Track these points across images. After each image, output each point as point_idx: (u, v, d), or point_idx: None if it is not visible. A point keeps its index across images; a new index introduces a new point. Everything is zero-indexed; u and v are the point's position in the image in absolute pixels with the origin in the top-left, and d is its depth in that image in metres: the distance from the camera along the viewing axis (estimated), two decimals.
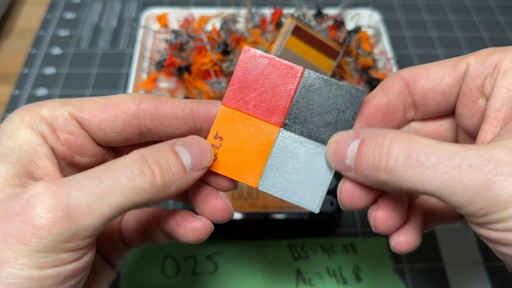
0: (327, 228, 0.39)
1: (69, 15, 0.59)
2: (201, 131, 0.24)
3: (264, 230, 0.39)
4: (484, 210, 0.18)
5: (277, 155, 0.23)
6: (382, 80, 0.43)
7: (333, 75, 0.42)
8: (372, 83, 0.43)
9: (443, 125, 0.26)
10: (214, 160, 0.23)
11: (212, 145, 0.23)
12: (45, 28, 0.57)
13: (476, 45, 0.57)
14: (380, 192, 0.23)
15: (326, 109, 0.23)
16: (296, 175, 0.23)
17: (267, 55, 0.23)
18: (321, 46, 0.40)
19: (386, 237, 0.41)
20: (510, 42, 0.58)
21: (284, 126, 0.23)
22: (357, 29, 0.45)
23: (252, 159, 0.23)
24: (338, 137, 0.22)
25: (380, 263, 0.38)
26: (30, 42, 0.55)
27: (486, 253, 0.39)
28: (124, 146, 0.25)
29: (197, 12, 0.48)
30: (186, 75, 0.42)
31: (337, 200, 0.42)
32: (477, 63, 0.22)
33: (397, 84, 0.24)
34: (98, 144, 0.24)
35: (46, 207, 0.17)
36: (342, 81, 0.42)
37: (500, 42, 0.58)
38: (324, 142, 0.23)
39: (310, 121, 0.23)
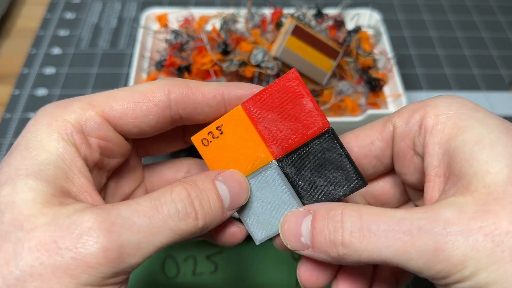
0: None
1: (69, 15, 0.59)
2: None
3: None
4: (443, 273, 0.18)
5: (256, 180, 0.23)
6: (382, 80, 0.43)
7: (333, 75, 0.42)
8: (372, 83, 0.43)
9: (388, 183, 0.26)
10: (205, 146, 0.23)
11: (210, 133, 0.23)
12: (45, 28, 0.57)
13: (476, 45, 0.57)
14: (338, 267, 0.23)
15: (322, 173, 0.22)
16: (260, 206, 0.23)
17: (308, 92, 0.21)
18: (321, 46, 0.40)
19: None
20: (510, 42, 0.58)
21: (278, 161, 0.23)
22: (357, 29, 0.45)
23: (234, 166, 0.23)
24: (289, 216, 0.22)
25: None
26: (30, 42, 0.55)
27: None
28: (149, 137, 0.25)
29: (197, 12, 0.48)
30: (186, 75, 0.42)
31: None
32: (402, 123, 0.22)
33: None
34: (126, 139, 0.24)
35: (100, 247, 0.17)
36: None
37: (500, 42, 0.58)
38: (300, 197, 0.23)
39: (301, 173, 0.23)
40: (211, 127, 0.23)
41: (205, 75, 0.42)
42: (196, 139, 0.24)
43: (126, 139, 0.24)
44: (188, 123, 0.24)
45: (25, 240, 0.17)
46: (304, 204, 0.23)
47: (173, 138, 0.27)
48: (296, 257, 0.38)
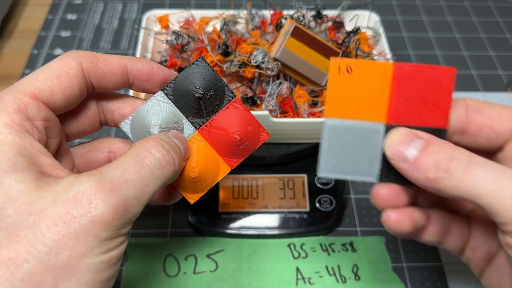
0: (327, 227, 0.39)
1: (71, 16, 0.60)
2: (132, 85, 0.27)
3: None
4: None
5: (349, 129, 0.25)
6: None
7: None
8: None
9: None
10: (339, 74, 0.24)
11: (348, 67, 0.24)
12: (47, 29, 0.58)
13: (474, 46, 0.58)
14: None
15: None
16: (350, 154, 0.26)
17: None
18: (321, 47, 0.40)
19: (385, 235, 0.41)
20: (508, 43, 0.58)
21: (387, 126, 0.24)
22: (356, 30, 0.45)
23: (352, 106, 0.24)
24: (405, 131, 0.24)
25: (379, 262, 0.38)
26: (32, 42, 0.56)
27: None
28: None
29: (198, 14, 0.48)
30: None
31: (337, 199, 0.43)
32: None
33: (459, 109, 0.25)
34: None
35: (110, 205, 0.20)
36: None
37: (498, 42, 0.58)
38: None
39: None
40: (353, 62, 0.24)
41: None
42: (334, 62, 0.24)
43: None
44: (99, 90, 0.26)
45: (39, 221, 0.19)
46: None
47: (91, 120, 0.28)
48: (295, 256, 0.38)
